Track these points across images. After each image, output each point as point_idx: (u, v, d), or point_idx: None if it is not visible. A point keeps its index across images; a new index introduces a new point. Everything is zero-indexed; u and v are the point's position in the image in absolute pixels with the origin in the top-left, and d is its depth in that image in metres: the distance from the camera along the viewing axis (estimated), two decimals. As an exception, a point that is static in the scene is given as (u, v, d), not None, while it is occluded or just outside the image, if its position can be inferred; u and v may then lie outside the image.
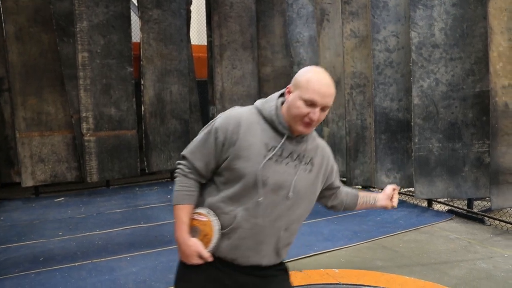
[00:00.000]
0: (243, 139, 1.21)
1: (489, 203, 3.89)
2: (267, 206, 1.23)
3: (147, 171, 5.90)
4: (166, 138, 5.99)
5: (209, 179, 1.31)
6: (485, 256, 3.11)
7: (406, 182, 4.68)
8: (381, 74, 4.64)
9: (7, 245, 3.52)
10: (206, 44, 6.76)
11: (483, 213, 4.07)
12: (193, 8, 6.75)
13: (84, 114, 5.32)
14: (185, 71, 6.08)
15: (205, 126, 1.30)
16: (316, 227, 3.84)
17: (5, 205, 4.97)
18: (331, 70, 5.59)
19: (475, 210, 4.20)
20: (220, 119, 1.26)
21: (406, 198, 4.90)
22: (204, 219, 1.26)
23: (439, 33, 4.03)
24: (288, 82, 1.29)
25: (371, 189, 5.32)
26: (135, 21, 6.06)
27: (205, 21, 6.73)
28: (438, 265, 2.97)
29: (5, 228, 4.03)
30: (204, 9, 6.71)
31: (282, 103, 1.27)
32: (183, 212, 1.26)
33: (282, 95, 1.30)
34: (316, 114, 1.19)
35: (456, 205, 4.35)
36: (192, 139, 1.34)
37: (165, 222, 4.09)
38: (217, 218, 1.25)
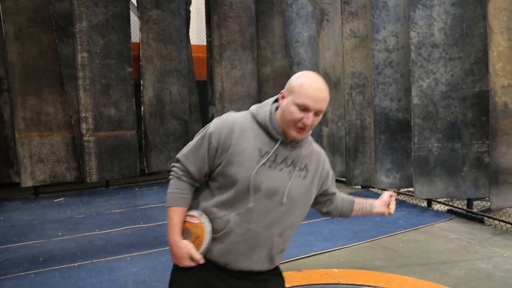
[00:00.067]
0: (236, 144, 1.21)
1: (489, 203, 3.89)
2: (260, 211, 1.22)
3: (146, 172, 5.90)
4: (166, 139, 5.99)
5: (204, 183, 1.31)
6: (485, 256, 3.11)
7: (405, 182, 4.68)
8: (381, 74, 4.64)
9: (7, 246, 3.52)
10: (205, 44, 6.76)
11: (483, 213, 4.07)
12: (192, 8, 6.75)
13: (83, 114, 5.32)
14: (184, 71, 6.07)
15: (200, 131, 1.30)
16: (316, 227, 3.84)
17: (4, 205, 4.96)
18: (330, 70, 5.60)
19: (474, 210, 4.20)
20: (214, 124, 1.26)
21: (406, 198, 4.90)
22: (196, 221, 1.26)
23: (439, 33, 4.04)
24: (288, 83, 1.29)
25: (370, 189, 5.33)
26: (134, 21, 6.06)
27: (204, 21, 6.73)
28: (437, 265, 2.97)
29: (4, 229, 4.03)
30: (204, 9, 6.71)
31: (277, 108, 1.27)
32: (175, 214, 1.27)
33: (276, 100, 1.29)
34: (310, 119, 1.18)
35: (456, 205, 4.36)
36: (192, 139, 1.34)
37: (165, 222, 4.03)
38: (208, 220, 1.25)
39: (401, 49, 4.57)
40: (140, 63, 5.72)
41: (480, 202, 4.55)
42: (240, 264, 1.26)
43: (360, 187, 5.52)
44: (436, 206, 4.55)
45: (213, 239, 1.24)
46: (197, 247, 1.25)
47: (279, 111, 1.26)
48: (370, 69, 4.72)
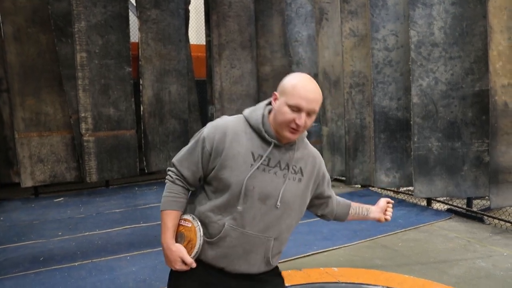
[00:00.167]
0: (229, 148, 1.21)
1: (489, 202, 3.89)
2: (254, 216, 1.22)
3: (146, 171, 5.90)
4: (165, 138, 5.98)
5: (199, 187, 1.32)
6: (485, 255, 3.12)
7: (405, 181, 4.68)
8: (380, 73, 4.64)
9: (7, 245, 3.52)
10: (204, 43, 6.76)
11: (483, 212, 4.07)
12: (191, 7, 6.74)
13: (82, 114, 5.31)
14: (183, 71, 6.07)
15: (195, 135, 1.31)
16: (316, 226, 3.84)
17: (4, 205, 4.96)
18: (330, 70, 5.59)
19: (474, 209, 4.20)
20: (208, 129, 1.26)
21: (405, 197, 4.90)
22: (189, 225, 1.26)
23: (439, 32, 4.03)
24: (287, 82, 1.28)
25: (370, 188, 5.33)
26: (133, 21, 6.05)
27: (203, 20, 6.73)
28: (437, 264, 2.98)
29: (4, 229, 4.03)
30: (203, 9, 6.70)
31: (270, 111, 1.27)
32: (169, 218, 1.27)
33: (270, 103, 1.29)
34: (302, 120, 1.18)
35: (456, 204, 4.36)
36: (191, 138, 1.35)
37: (165, 222, 4.08)
38: (199, 223, 1.25)
39: (400, 48, 4.57)
40: (139, 62, 5.72)
41: (479, 201, 4.55)
42: (237, 267, 1.26)
43: (359, 186, 5.52)
44: (436, 205, 4.55)
45: (210, 243, 1.24)
46: (189, 251, 1.25)
47: (272, 113, 1.26)
48: (370, 68, 4.72)
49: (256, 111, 1.28)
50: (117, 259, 3.15)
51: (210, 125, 1.28)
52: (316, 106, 1.20)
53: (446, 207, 4.41)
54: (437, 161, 4.13)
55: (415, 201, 4.70)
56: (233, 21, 6.26)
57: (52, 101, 5.32)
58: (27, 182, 5.21)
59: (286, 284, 1.44)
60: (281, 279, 1.39)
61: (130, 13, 5.86)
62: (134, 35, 5.98)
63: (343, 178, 5.57)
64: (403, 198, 4.86)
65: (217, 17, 6.20)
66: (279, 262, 1.40)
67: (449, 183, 4.11)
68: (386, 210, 1.52)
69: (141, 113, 5.79)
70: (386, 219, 1.52)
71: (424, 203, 4.60)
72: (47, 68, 5.24)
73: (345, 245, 3.38)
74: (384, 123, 4.68)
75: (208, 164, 1.25)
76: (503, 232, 3.65)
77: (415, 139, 4.18)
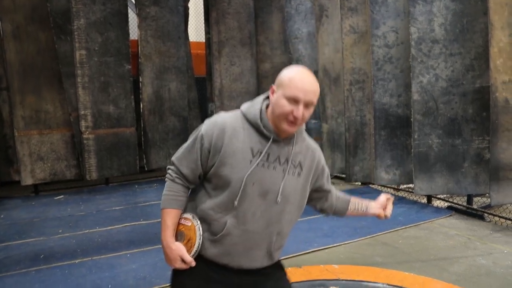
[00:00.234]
0: (228, 145, 1.21)
1: (489, 200, 3.89)
2: (255, 212, 1.22)
3: (146, 169, 5.90)
4: (165, 136, 5.98)
5: (200, 185, 1.31)
6: (485, 252, 3.12)
7: (405, 178, 4.68)
8: (381, 70, 4.62)
9: (7, 243, 3.53)
10: (204, 41, 6.74)
11: (483, 210, 4.07)
12: (191, 4, 6.71)
13: (82, 112, 5.31)
14: (183, 68, 6.05)
15: (193, 132, 1.30)
16: (316, 223, 3.84)
17: (4, 203, 4.96)
18: (330, 66, 5.58)
19: (474, 206, 4.20)
20: (205, 126, 1.26)
21: (406, 194, 4.90)
22: (189, 223, 1.26)
23: (439, 29, 4.02)
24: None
25: (370, 185, 5.33)
26: (132, 18, 6.03)
27: (203, 17, 6.70)
28: (437, 261, 2.98)
29: (5, 226, 4.03)
30: (202, 6, 6.68)
31: (268, 105, 1.27)
32: (169, 216, 1.27)
33: (267, 98, 1.29)
34: (300, 111, 1.17)
35: (456, 202, 4.35)
36: None
37: (165, 219, 4.09)
38: (199, 222, 1.25)
39: (401, 44, 4.55)
40: (139, 60, 5.70)
41: (480, 198, 4.55)
42: (240, 263, 1.26)
43: (360, 183, 5.52)
44: (436, 203, 4.55)
45: (213, 241, 1.24)
46: (189, 249, 1.25)
47: (269, 107, 1.25)
48: (370, 65, 4.70)
49: (253, 106, 1.28)
50: (117, 257, 3.16)
51: (207, 122, 1.27)
52: (314, 98, 1.20)
53: (446, 204, 4.40)
54: (438, 158, 4.12)
55: (415, 199, 4.70)
56: (232, 18, 6.24)
57: (52, 99, 5.32)
58: (27, 180, 5.21)
59: (286, 282, 1.44)
60: (283, 271, 1.40)
61: (129, 10, 5.83)
62: (134, 32, 5.96)
63: (343, 176, 5.56)
64: (404, 196, 4.85)
65: (217, 14, 6.18)
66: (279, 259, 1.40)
67: (449, 180, 4.10)
68: (386, 206, 1.51)
69: (141, 110, 5.78)
70: (385, 216, 1.51)
71: (424, 200, 4.59)
72: (46, 66, 5.23)
73: (346, 242, 3.38)
74: (385, 120, 4.67)
75: (207, 161, 1.24)
76: (503, 229, 3.65)
77: (416, 136, 4.17)
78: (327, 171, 1.44)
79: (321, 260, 3.01)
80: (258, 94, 6.32)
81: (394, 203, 1.56)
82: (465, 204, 4.24)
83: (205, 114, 6.77)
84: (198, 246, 1.24)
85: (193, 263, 1.25)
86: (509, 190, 3.57)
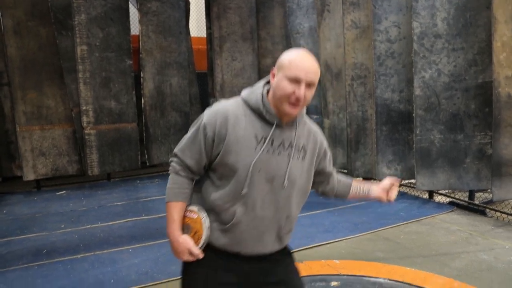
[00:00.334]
0: (232, 133, 1.20)
1: (491, 195, 3.88)
2: (264, 198, 1.23)
3: (147, 164, 5.90)
4: (167, 131, 5.98)
5: (204, 175, 1.31)
6: (486, 247, 3.12)
7: (407, 173, 4.67)
8: (382, 65, 4.60)
9: (10, 238, 3.55)
10: (205, 36, 6.71)
11: (485, 205, 4.06)
12: (192, -1, 6.68)
13: (84, 108, 5.31)
14: (184, 63, 6.04)
15: (194, 122, 1.29)
16: (317, 218, 3.85)
17: (7, 198, 4.99)
18: (331, 62, 5.55)
19: (476, 202, 4.19)
20: (207, 115, 1.24)
21: (407, 189, 4.89)
22: (195, 216, 1.26)
23: (442, 23, 3.98)
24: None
25: (372, 181, 5.32)
26: (133, 13, 6.01)
27: (204, 12, 6.67)
28: (439, 256, 2.98)
29: (7, 222, 4.05)
30: (203, 1, 6.64)
31: (268, 91, 1.26)
32: (175, 210, 1.27)
33: (267, 82, 1.28)
34: (302, 91, 1.17)
35: (458, 197, 4.35)
36: None
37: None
38: (206, 215, 1.25)
39: (403, 39, 4.52)
40: (140, 55, 5.69)
41: (482, 193, 4.54)
42: (252, 250, 1.27)
43: (361, 178, 5.51)
44: (438, 198, 4.54)
45: (223, 230, 1.24)
46: (196, 242, 1.25)
47: (270, 92, 1.24)
48: (372, 60, 4.68)
49: (254, 92, 1.27)
50: (119, 252, 3.17)
51: (209, 111, 1.26)
52: (315, 78, 1.19)
53: (448, 200, 4.40)
54: (439, 154, 4.11)
55: (417, 194, 4.69)
56: (234, 13, 6.21)
57: (53, 94, 5.32)
58: (29, 175, 5.23)
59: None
60: (291, 258, 1.41)
61: (130, 6, 5.81)
62: (135, 27, 5.94)
63: (345, 171, 5.56)
64: (405, 191, 4.85)
65: (218, 9, 6.15)
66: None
67: (451, 175, 4.09)
68: (389, 190, 1.49)
69: (142, 106, 5.78)
70: (388, 200, 1.49)
71: (426, 195, 4.59)
72: (47, 61, 5.22)
73: (347, 237, 3.38)
74: (386, 115, 4.65)
75: (212, 151, 1.23)
76: (505, 225, 3.64)
77: (417, 132, 4.16)
78: (329, 154, 1.44)
79: (323, 255, 3.01)
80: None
81: (399, 186, 1.53)
82: (466, 199, 4.23)
83: (206, 110, 6.75)
84: (206, 238, 1.25)
85: (201, 255, 1.26)
86: (511, 185, 3.56)
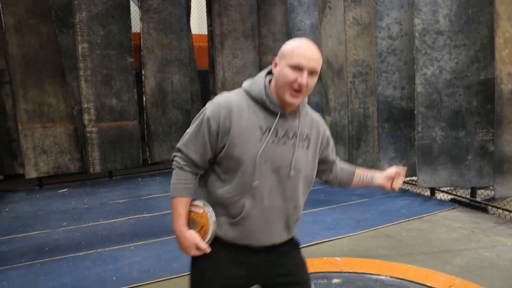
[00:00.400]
0: (236, 125, 1.20)
1: (493, 192, 3.87)
2: (271, 188, 1.23)
3: (149, 162, 5.91)
4: (168, 128, 5.98)
5: (209, 169, 1.30)
6: (488, 245, 3.11)
7: (409, 171, 4.66)
8: (384, 62, 4.58)
9: (12, 236, 3.56)
10: (206, 33, 6.70)
11: (487, 202, 4.06)
12: (193, -4, 6.66)
13: (85, 105, 5.31)
14: (186, 60, 6.03)
15: (196, 116, 1.28)
16: (319, 216, 3.85)
17: (9, 196, 5.00)
18: (333, 59, 5.53)
19: (478, 199, 4.18)
20: (210, 108, 1.24)
21: (409, 187, 4.89)
22: (200, 211, 1.26)
23: (444, 20, 3.96)
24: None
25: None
26: (134, 11, 6.00)
27: (205, 10, 6.65)
28: (440, 253, 2.98)
29: (10, 219, 4.06)
30: (205, -2, 6.63)
31: (270, 81, 1.26)
32: (180, 205, 1.27)
33: (269, 72, 1.28)
34: (304, 78, 1.16)
35: (459, 194, 4.34)
36: None
37: (168, 212, 4.10)
38: (212, 209, 1.25)
39: (404, 36, 4.50)
40: (141, 53, 5.69)
41: (484, 191, 4.53)
42: (261, 242, 1.27)
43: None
44: (440, 195, 4.53)
45: (232, 224, 1.24)
46: (203, 236, 1.26)
47: (273, 81, 1.24)
48: (373, 57, 4.66)
49: (256, 83, 1.27)
50: (121, 249, 3.18)
51: (212, 104, 1.25)
52: (317, 65, 1.19)
53: (449, 197, 4.39)
54: (441, 151, 4.10)
55: (418, 191, 4.69)
56: (235, 10, 6.19)
57: (55, 92, 5.32)
58: (31, 173, 5.24)
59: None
60: (299, 249, 1.42)
61: (131, 3, 5.80)
62: (136, 25, 5.93)
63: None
64: (407, 188, 4.84)
65: (219, 6, 6.13)
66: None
67: (453, 172, 4.09)
68: (393, 179, 1.50)
69: (144, 103, 5.78)
70: (392, 188, 1.49)
71: (427, 193, 4.58)
72: (49, 59, 5.22)
73: (349, 234, 3.38)
74: (388, 112, 4.64)
75: (217, 144, 1.22)
76: (507, 222, 3.64)
77: (419, 129, 4.15)
78: (332, 142, 1.44)
79: (324, 253, 3.01)
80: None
81: (403, 175, 1.53)
82: (468, 196, 4.22)
83: (207, 107, 6.74)
84: (213, 232, 1.25)
85: (208, 250, 1.26)
86: (513, 182, 3.55)
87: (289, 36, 6.26)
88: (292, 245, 1.38)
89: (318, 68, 1.20)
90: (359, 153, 5.12)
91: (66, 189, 5.27)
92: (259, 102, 1.24)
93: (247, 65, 6.35)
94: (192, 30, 6.53)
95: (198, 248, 1.26)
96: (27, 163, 5.19)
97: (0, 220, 4.06)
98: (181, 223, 1.26)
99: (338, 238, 3.31)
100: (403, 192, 4.68)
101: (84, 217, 4.06)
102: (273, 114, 1.23)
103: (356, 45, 4.95)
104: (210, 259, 1.28)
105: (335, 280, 2.56)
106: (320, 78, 5.53)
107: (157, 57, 5.77)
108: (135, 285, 2.60)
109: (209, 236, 1.25)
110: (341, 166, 1.51)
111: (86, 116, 5.33)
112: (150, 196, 4.81)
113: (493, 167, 3.66)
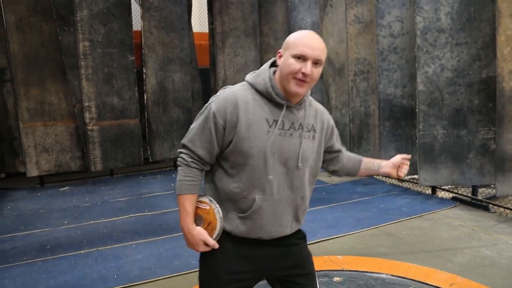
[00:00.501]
0: (243, 119, 1.19)
1: (494, 190, 3.86)
2: (280, 181, 1.24)
3: (150, 160, 5.92)
4: (169, 127, 5.98)
5: (215, 165, 1.29)
6: (489, 243, 3.11)
7: (410, 169, 4.62)
8: (385, 60, 4.57)
9: (14, 234, 3.57)
10: (207, 31, 6.69)
11: (488, 200, 4.05)
12: (194, -6, 6.65)
13: (86, 104, 5.32)
14: (187, 59, 6.03)
15: (200, 112, 1.27)
16: (320, 214, 3.85)
17: (10, 194, 5.01)
18: (334, 57, 5.53)
19: (479, 197, 4.18)
20: (216, 103, 1.22)
21: (410, 185, 4.88)
22: (207, 207, 1.26)
23: (445, 18, 3.95)
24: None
25: (375, 176, 5.31)
26: (135, 9, 6.00)
27: (206, 8, 6.64)
28: (441, 252, 2.98)
29: (11, 218, 4.08)
30: (206, -4, 6.62)
31: (274, 73, 1.26)
32: (187, 202, 1.26)
33: (272, 64, 1.28)
34: (308, 68, 1.16)
35: (461, 193, 4.34)
36: None
37: (169, 210, 4.12)
38: (218, 206, 1.25)
39: (406, 34, 4.49)
40: (142, 51, 5.68)
41: (485, 189, 4.52)
42: (272, 234, 1.28)
43: (364, 174, 5.50)
44: (441, 194, 4.53)
45: (243, 218, 1.24)
46: (210, 232, 1.26)
47: (277, 73, 1.24)
48: (375, 55, 4.66)
49: (261, 75, 1.26)
50: (123, 247, 3.19)
51: (217, 99, 1.23)
52: (321, 55, 1.19)
53: (451, 195, 4.39)
54: (443, 149, 4.09)
55: (420, 189, 4.68)
56: (236, 8, 6.18)
57: (56, 90, 5.33)
58: (33, 171, 5.26)
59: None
60: (305, 242, 1.44)
61: (132, 1, 5.80)
62: (137, 23, 5.93)
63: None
64: (408, 187, 4.84)
65: (220, 4, 6.12)
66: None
67: (454, 171, 4.08)
68: (400, 166, 1.50)
69: (145, 102, 5.78)
70: (399, 175, 1.50)
71: (429, 191, 4.58)
72: (50, 57, 5.23)
73: (350, 233, 3.38)
74: (389, 111, 4.64)
75: (224, 139, 1.22)
76: (508, 220, 3.63)
77: (420, 127, 4.14)
78: (336, 131, 1.45)
79: (325, 251, 3.02)
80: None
81: (409, 163, 1.54)
82: (470, 195, 4.22)
83: (208, 106, 6.74)
84: (220, 228, 1.25)
85: (216, 246, 1.26)
86: (514, 181, 3.54)
87: (290, 34, 6.26)
88: (299, 237, 1.40)
89: (323, 58, 1.20)
90: (360, 152, 5.12)
91: (67, 187, 5.28)
92: (264, 95, 1.23)
93: (248, 63, 6.34)
94: (193, 28, 6.52)
95: (206, 244, 1.26)
96: (29, 162, 5.21)
97: (2, 218, 4.08)
98: (188, 221, 1.26)
99: (339, 236, 3.31)
100: (404, 190, 4.68)
101: (86, 215, 4.07)
102: (278, 106, 1.23)
103: (358, 43, 4.94)
104: (218, 255, 1.28)
105: (336, 279, 2.57)
106: (321, 77, 5.52)
107: (158, 56, 5.77)
108: (136, 283, 2.61)
109: (216, 232, 1.25)
110: (347, 155, 1.52)
111: (87, 115, 5.34)
112: (151, 194, 4.82)
113: (495, 166, 3.66)
